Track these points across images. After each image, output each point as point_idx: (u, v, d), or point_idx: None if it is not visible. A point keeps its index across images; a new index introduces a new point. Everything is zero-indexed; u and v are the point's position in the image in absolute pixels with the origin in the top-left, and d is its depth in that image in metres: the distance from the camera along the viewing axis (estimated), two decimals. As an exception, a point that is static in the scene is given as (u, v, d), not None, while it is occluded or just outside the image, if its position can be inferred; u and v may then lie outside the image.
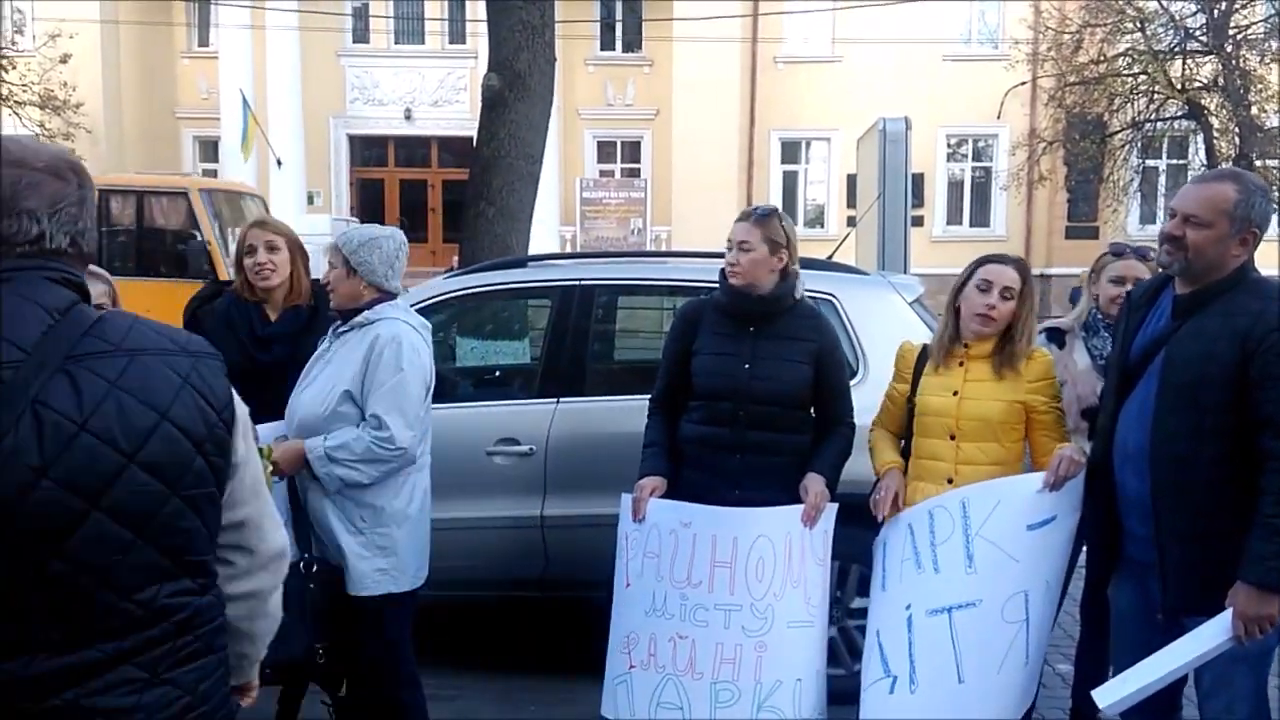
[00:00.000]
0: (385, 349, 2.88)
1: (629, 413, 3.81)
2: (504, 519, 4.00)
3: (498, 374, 5.33)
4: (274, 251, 3.32)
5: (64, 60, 19.25)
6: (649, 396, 3.33)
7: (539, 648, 4.43)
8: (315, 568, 2.89)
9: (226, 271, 9.99)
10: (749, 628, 2.91)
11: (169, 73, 22.93)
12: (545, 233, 17.76)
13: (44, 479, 1.34)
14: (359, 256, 2.96)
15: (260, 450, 2.88)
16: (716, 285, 3.24)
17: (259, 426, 3.10)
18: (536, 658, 4.33)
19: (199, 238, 11.16)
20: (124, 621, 1.41)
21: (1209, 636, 2.34)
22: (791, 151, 22.23)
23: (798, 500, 3.00)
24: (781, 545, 2.94)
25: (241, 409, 1.58)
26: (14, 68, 19.04)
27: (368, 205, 22.98)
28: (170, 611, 1.46)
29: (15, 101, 19.06)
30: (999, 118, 20.19)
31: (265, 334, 3.33)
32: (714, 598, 2.93)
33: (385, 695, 3.04)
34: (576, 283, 4.26)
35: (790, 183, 22.06)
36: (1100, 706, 2.50)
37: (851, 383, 3.37)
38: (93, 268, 3.41)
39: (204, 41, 23.03)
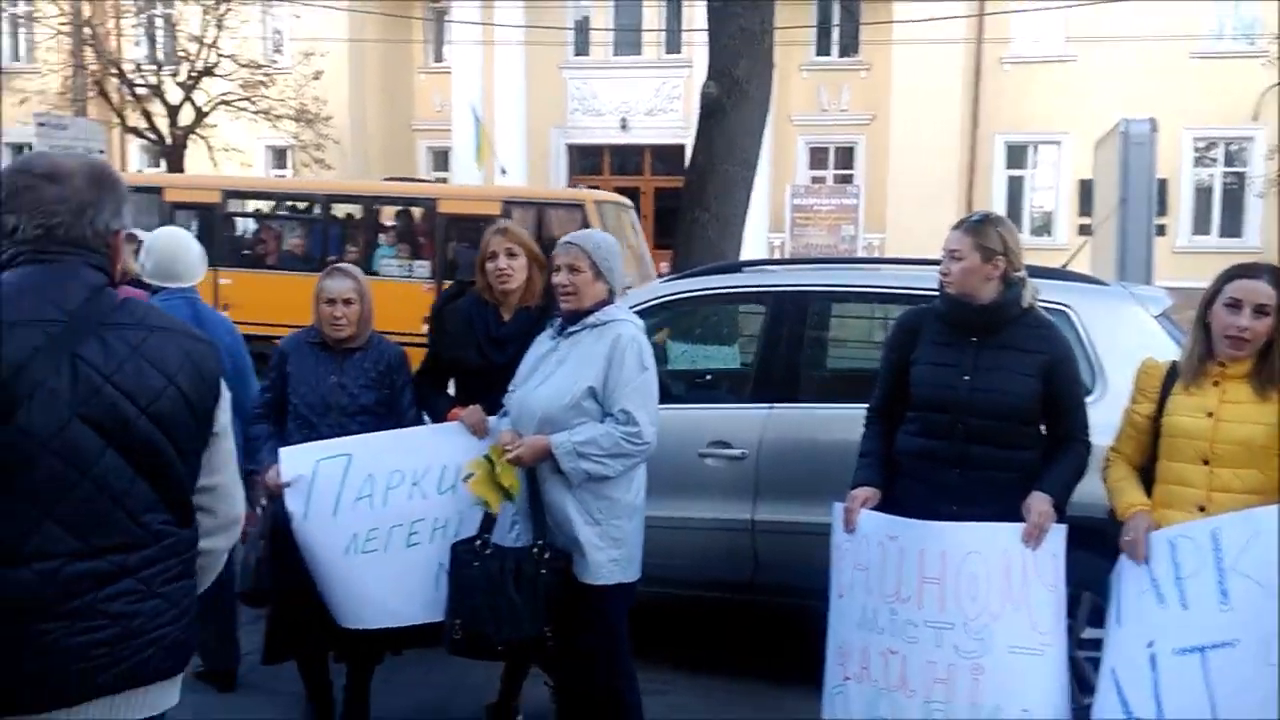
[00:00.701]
0: (629, 348, 3.02)
1: (843, 421, 3.77)
2: (714, 521, 4.04)
3: (709, 377, 5.39)
4: (513, 257, 3.51)
5: (316, 76, 20.98)
6: (863, 405, 3.28)
7: (750, 651, 4.44)
8: (548, 554, 3.03)
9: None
10: (963, 648, 2.81)
11: (407, 87, 24.52)
12: (754, 239, 17.73)
13: (75, 418, 1.67)
14: (608, 263, 3.13)
15: (488, 456, 3.09)
16: (935, 293, 3.15)
17: (491, 419, 3.29)
18: (746, 661, 4.35)
19: None
20: (129, 539, 1.73)
21: None
22: (1017, 156, 21.18)
23: (1021, 520, 2.87)
24: (998, 564, 2.82)
25: (226, 391, 1.91)
26: (273, 84, 20.93)
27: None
28: (162, 536, 1.78)
29: (274, 115, 20.94)
30: (1255, 119, 18.48)
31: (500, 335, 3.52)
32: (924, 614, 2.85)
33: (602, 684, 3.14)
34: (792, 288, 4.25)
35: (1015, 189, 21.02)
36: None
37: (1087, 400, 3.19)
38: (344, 265, 3.73)
39: (439, 57, 24.49)
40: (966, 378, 2.96)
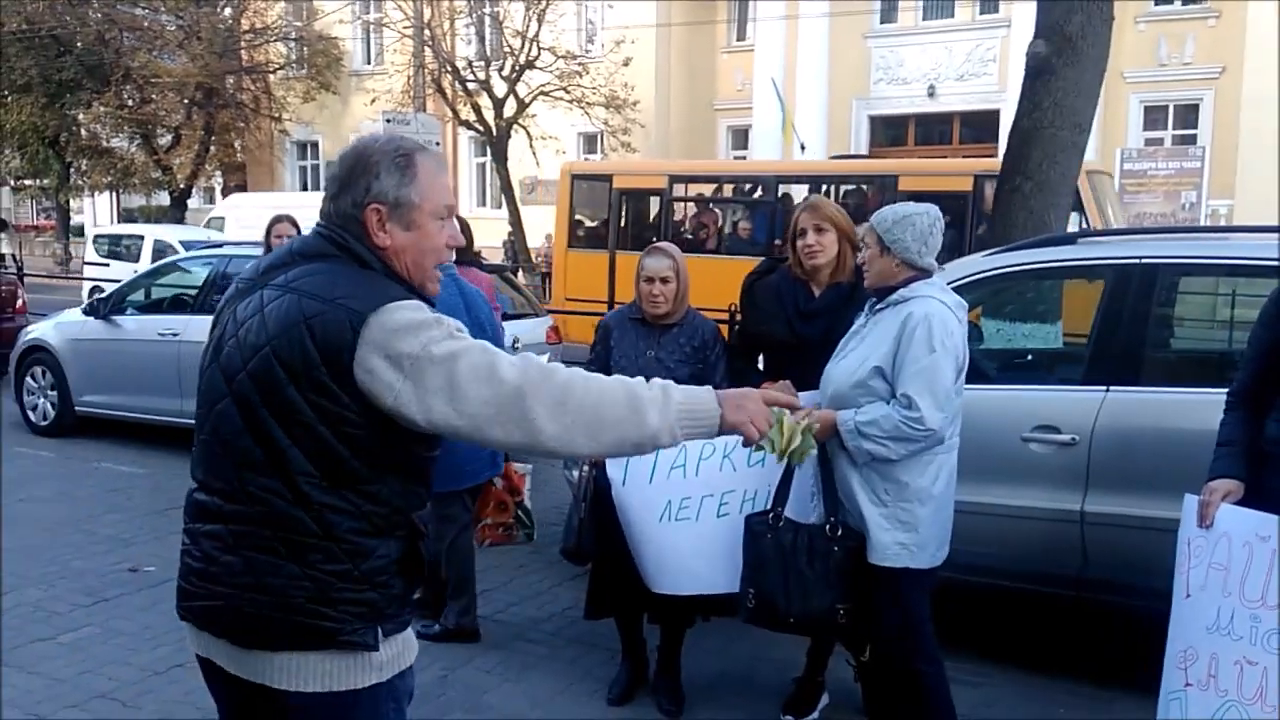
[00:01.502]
0: (918, 328, 2.89)
1: (1192, 406, 3.45)
2: (1039, 510, 3.80)
3: (1030, 357, 5.06)
4: (822, 234, 3.51)
5: (626, 64, 21.82)
6: (1211, 389, 2.94)
7: (1074, 650, 4.15)
8: (840, 531, 3.00)
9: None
10: None
11: (709, 68, 24.93)
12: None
13: (214, 363, 1.81)
14: (892, 234, 2.99)
15: (781, 421, 3.06)
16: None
17: (803, 395, 3.28)
18: (1070, 660, 4.07)
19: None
20: (228, 488, 1.75)
21: None
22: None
23: None
24: None
25: (367, 365, 1.68)
26: (586, 73, 22.00)
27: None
28: (256, 500, 1.72)
29: (587, 103, 22.03)
30: None
31: (808, 309, 3.54)
32: None
33: (903, 665, 3.07)
34: (1136, 261, 3.88)
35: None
36: None
37: None
38: (663, 245, 3.84)
39: (741, 36, 24.67)
40: (1359, 360, 2.57)
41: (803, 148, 21.34)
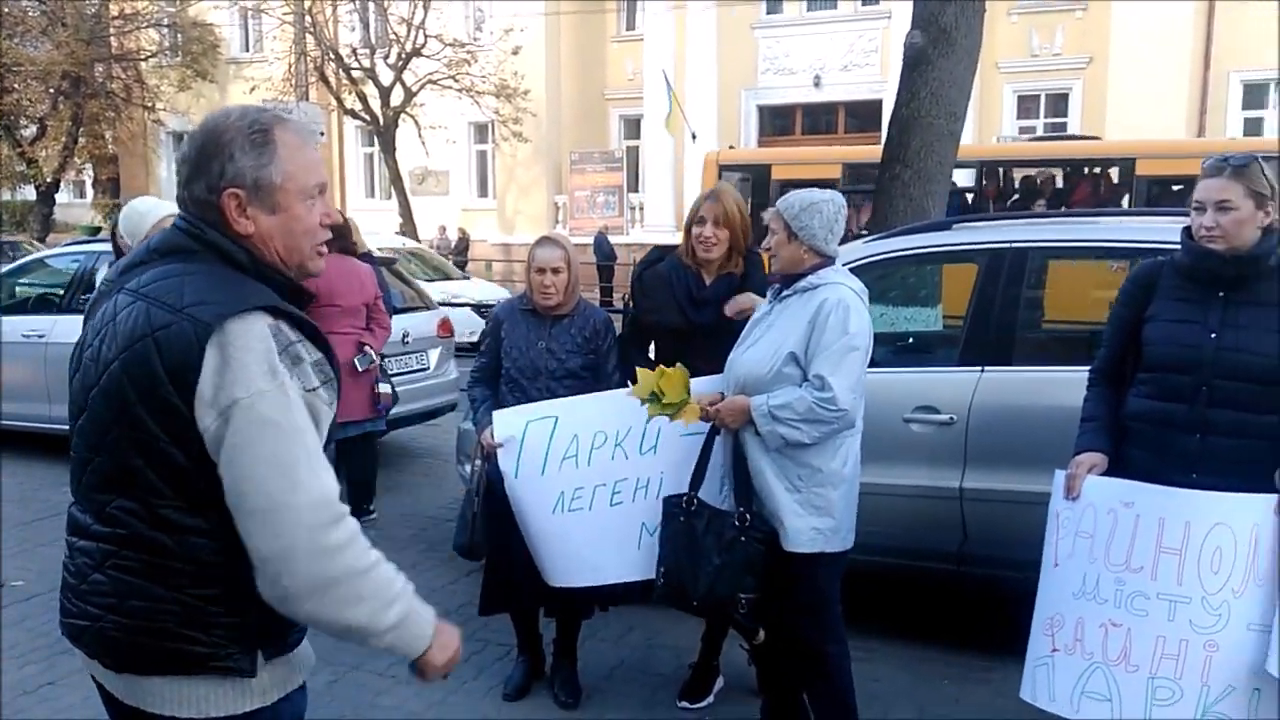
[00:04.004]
0: (831, 313, 2.93)
1: (1061, 385, 3.58)
2: (921, 488, 3.92)
3: (912, 340, 5.20)
4: (719, 226, 3.55)
5: (515, 52, 21.61)
6: (1084, 368, 3.06)
7: (958, 623, 4.30)
8: (750, 522, 3.02)
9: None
10: (1198, 623, 2.61)
11: (600, 57, 24.88)
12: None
13: (75, 376, 1.70)
14: (800, 221, 3.02)
15: (685, 400, 3.11)
16: (1160, 246, 2.88)
17: (696, 381, 3.31)
18: (954, 632, 4.21)
19: None
20: (93, 506, 1.65)
21: None
22: (1256, 96, 19.27)
23: (1268, 490, 2.61)
24: (1245, 537, 2.59)
25: (237, 385, 1.53)
26: (475, 61, 21.72)
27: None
28: (116, 521, 1.62)
29: (476, 92, 21.75)
30: None
31: (700, 296, 3.58)
32: (1157, 586, 2.65)
33: (812, 648, 3.12)
34: (1007, 245, 4.03)
35: (1254, 131, 19.12)
36: None
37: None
38: (554, 235, 3.81)
39: (631, 25, 24.69)
40: (1213, 335, 2.70)
41: (694, 137, 21.51)
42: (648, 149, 23.46)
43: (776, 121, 24.02)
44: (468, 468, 3.84)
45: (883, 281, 5.03)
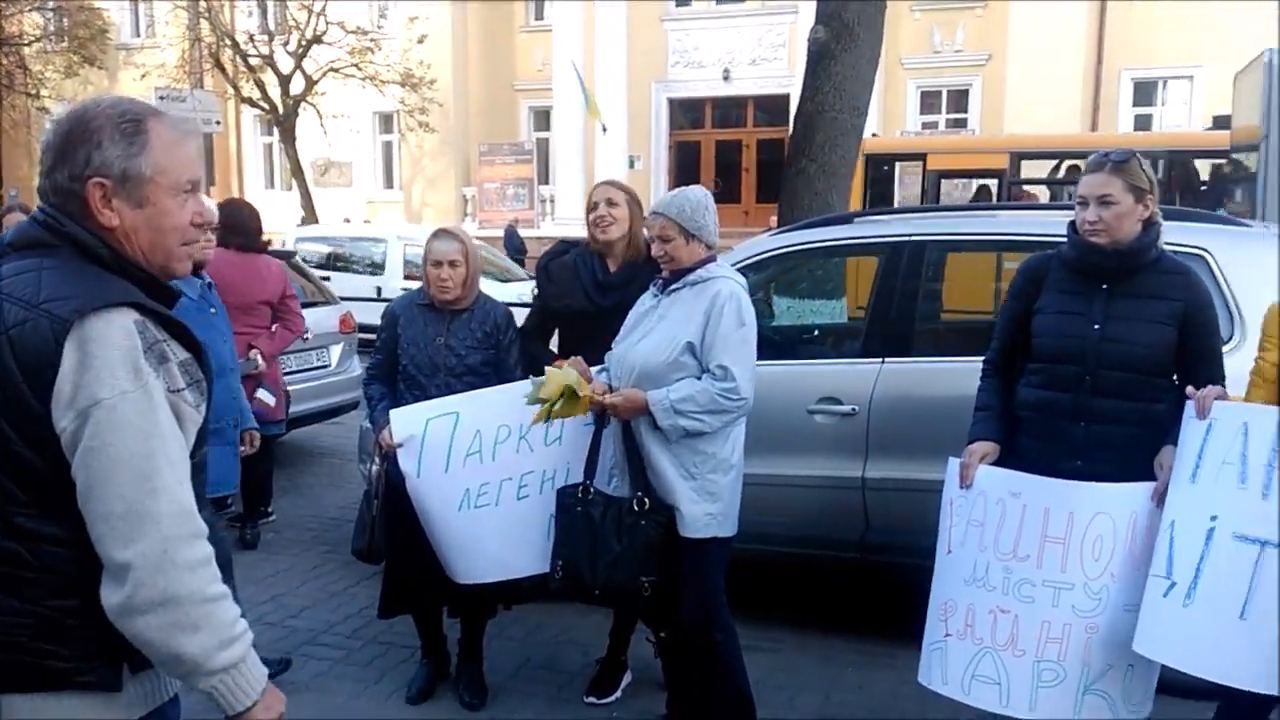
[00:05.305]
0: (726, 305, 2.98)
1: (958, 375, 3.63)
2: (824, 479, 3.96)
3: (817, 332, 5.27)
4: (613, 207, 3.59)
5: (420, 40, 21.24)
6: (981, 358, 3.13)
7: (864, 610, 4.37)
8: (648, 505, 3.02)
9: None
10: (1080, 608, 2.70)
11: (508, 47, 24.63)
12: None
13: None
14: (696, 222, 3.07)
15: (573, 388, 3.09)
16: (1056, 240, 2.97)
17: (593, 370, 3.28)
18: (861, 620, 4.28)
19: None
20: None
21: None
22: (1146, 93, 20.09)
23: (1149, 476, 2.71)
24: (1124, 524, 2.68)
25: (84, 389, 1.44)
26: (379, 49, 21.28)
27: (684, 168, 23.54)
28: None
29: (381, 81, 21.32)
30: None
31: (606, 281, 3.61)
32: (1043, 574, 2.73)
33: (702, 636, 3.13)
34: (906, 238, 4.09)
35: (1144, 127, 19.93)
36: None
37: (1225, 348, 2.98)
38: (450, 228, 3.75)
39: (540, 15, 24.49)
40: (1096, 327, 2.79)
41: (604, 129, 21.47)
42: (558, 141, 23.35)
43: (688, 114, 24.14)
44: (370, 467, 3.75)
45: (790, 275, 5.09)
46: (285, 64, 21.01)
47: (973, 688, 2.84)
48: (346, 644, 4.15)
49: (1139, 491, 2.69)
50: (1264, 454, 2.45)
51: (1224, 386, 2.78)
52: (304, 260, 9.27)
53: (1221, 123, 10.07)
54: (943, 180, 11.34)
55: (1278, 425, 2.46)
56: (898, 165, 12.23)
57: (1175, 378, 2.82)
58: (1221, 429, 2.54)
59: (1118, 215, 2.75)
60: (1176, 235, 3.14)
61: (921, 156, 11.66)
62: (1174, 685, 2.82)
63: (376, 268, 13.13)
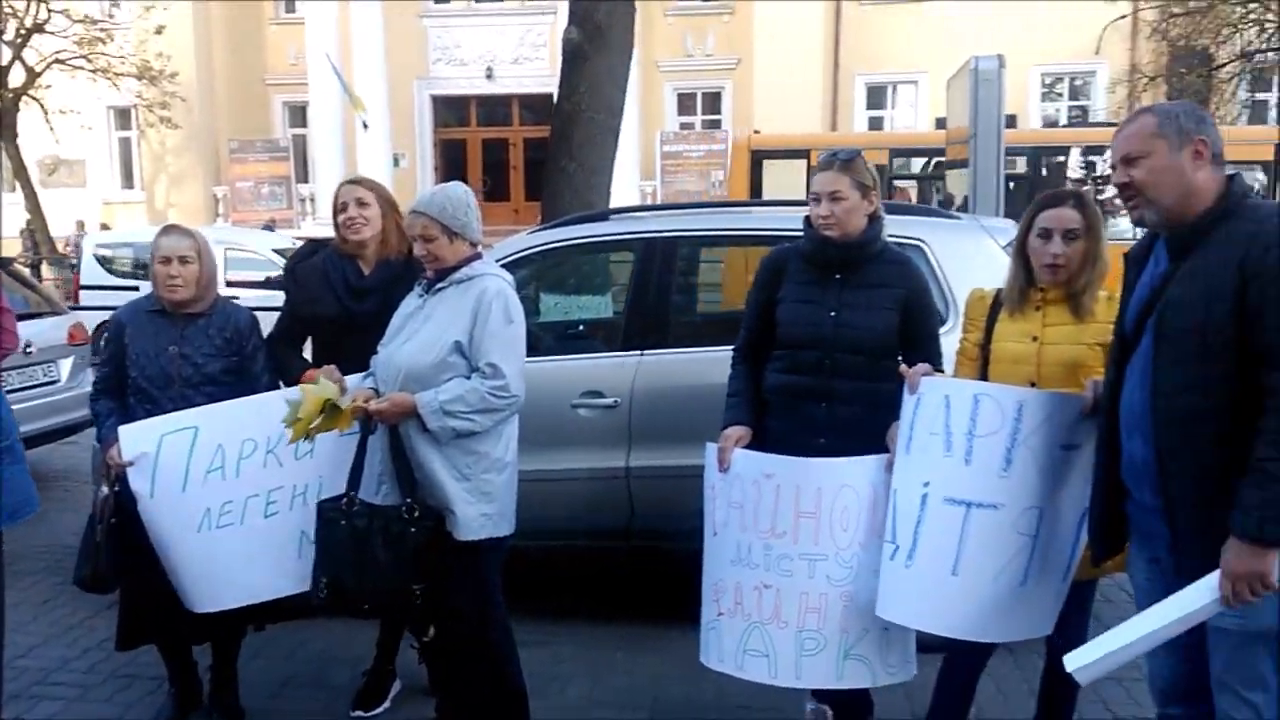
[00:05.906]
0: (494, 302, 2.95)
1: (713, 364, 3.76)
2: (590, 470, 4.02)
3: (581, 327, 5.33)
4: (364, 207, 3.41)
5: (158, 31, 19.79)
6: (733, 347, 3.28)
7: (634, 599, 4.45)
8: (418, 512, 2.93)
9: None
10: (834, 577, 2.88)
11: (257, 40, 23.39)
12: (626, 187, 17.67)
13: None
14: (459, 219, 3.01)
15: (337, 404, 2.97)
16: (798, 234, 3.15)
17: (350, 378, 3.18)
18: (630, 609, 4.37)
19: None
20: None
21: (1194, 598, 2.13)
22: (877, 96, 21.68)
23: (885, 449, 2.93)
24: (866, 495, 2.88)
25: None
26: (111, 40, 19.66)
27: (451, 165, 23.19)
28: None
29: (114, 74, 19.70)
30: (1097, 53, 19.34)
31: (360, 285, 3.41)
32: (799, 548, 2.89)
33: (477, 637, 3.10)
34: (659, 235, 4.22)
35: (876, 128, 21.53)
36: (1070, 671, 2.30)
37: (942, 330, 3.26)
38: (180, 224, 3.49)
39: (290, 8, 23.40)
40: (832, 314, 2.98)
41: (365, 126, 20.81)
42: (316, 137, 22.42)
43: (452, 112, 23.79)
44: (99, 489, 3.45)
45: (553, 271, 5.12)
46: (3, 55, 19.01)
47: (745, 662, 2.96)
48: (84, 680, 3.81)
49: (875, 463, 2.88)
50: (964, 424, 2.67)
51: (940, 365, 3.04)
52: (105, 268, 8.43)
53: (942, 124, 11.06)
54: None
55: (972, 397, 2.70)
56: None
57: (900, 358, 3.07)
58: (928, 402, 2.75)
59: (847, 210, 2.95)
60: (896, 228, 3.40)
61: (805, 153, 12.33)
62: (922, 644, 3.03)
63: None
